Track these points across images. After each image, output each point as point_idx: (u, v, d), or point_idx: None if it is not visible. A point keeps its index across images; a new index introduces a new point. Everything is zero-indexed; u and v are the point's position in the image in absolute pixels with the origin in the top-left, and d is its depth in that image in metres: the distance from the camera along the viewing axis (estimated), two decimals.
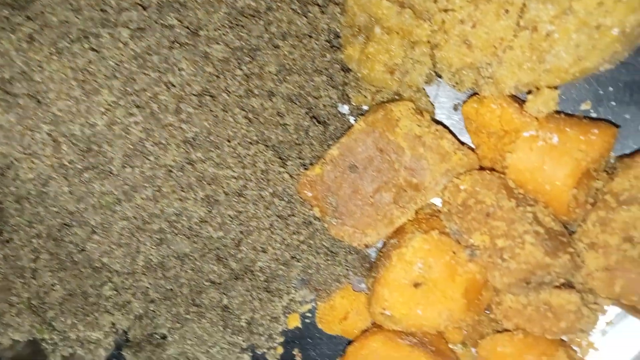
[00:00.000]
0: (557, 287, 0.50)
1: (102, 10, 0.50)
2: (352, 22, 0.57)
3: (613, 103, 0.57)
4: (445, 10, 0.49)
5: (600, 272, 0.48)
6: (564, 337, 0.54)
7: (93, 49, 0.50)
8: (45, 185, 0.54)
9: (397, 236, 0.55)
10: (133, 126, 0.51)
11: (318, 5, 0.56)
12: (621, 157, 0.52)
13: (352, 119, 0.63)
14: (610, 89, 0.56)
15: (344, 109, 0.62)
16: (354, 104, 0.61)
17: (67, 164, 0.52)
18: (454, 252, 0.49)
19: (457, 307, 0.49)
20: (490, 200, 0.48)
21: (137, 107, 0.51)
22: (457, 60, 0.50)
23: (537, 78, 0.48)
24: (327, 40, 0.58)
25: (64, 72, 0.50)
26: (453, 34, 0.49)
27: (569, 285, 0.51)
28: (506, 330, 0.53)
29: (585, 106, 0.57)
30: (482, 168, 0.53)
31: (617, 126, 0.52)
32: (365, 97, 0.60)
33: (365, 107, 0.62)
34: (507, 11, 0.47)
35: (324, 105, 0.60)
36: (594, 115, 0.57)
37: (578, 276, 0.50)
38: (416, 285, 0.50)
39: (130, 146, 0.52)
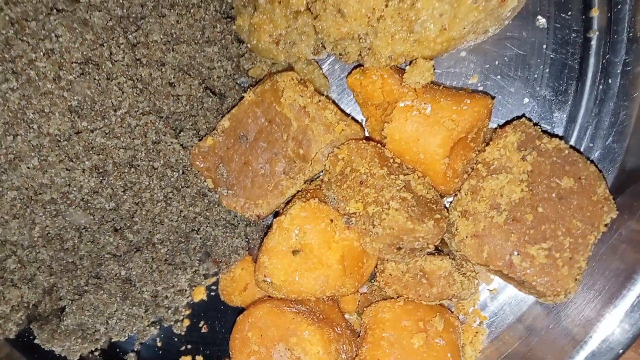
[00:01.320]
0: (431, 254, 0.52)
1: None
2: None
3: (499, 77, 0.58)
4: None
5: (470, 239, 0.50)
6: (447, 304, 0.56)
7: None
8: None
9: (286, 206, 0.55)
10: (10, 92, 0.50)
11: None
12: (495, 129, 0.53)
13: (251, 94, 0.63)
14: (496, 62, 0.58)
15: (242, 81, 0.63)
16: (251, 76, 0.62)
17: None
18: (331, 220, 0.50)
19: (333, 274, 0.50)
20: (363, 169, 0.49)
21: (14, 73, 0.50)
22: (334, 30, 0.50)
23: (410, 49, 0.49)
24: (217, 11, 0.58)
25: None
26: (328, 3, 0.49)
27: (443, 253, 0.52)
28: (390, 298, 0.54)
29: (472, 80, 0.58)
30: (368, 139, 0.54)
31: (492, 97, 0.53)
32: (263, 69, 0.60)
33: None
34: None
35: (219, 77, 0.59)
36: (480, 89, 0.59)
37: (452, 243, 0.52)
38: (294, 252, 0.51)
39: (10, 114, 0.51)
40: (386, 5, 0.48)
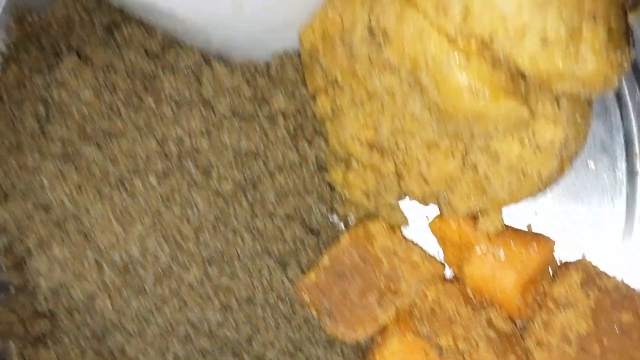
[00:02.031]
0: None
1: (133, 160, 0.64)
2: (334, 152, 0.69)
3: (557, 213, 0.68)
4: (405, 153, 0.61)
5: None
6: None
7: (128, 192, 0.63)
8: (91, 300, 0.66)
9: (381, 333, 0.65)
10: (161, 253, 0.63)
11: (306, 139, 0.69)
12: (560, 266, 0.63)
13: (341, 226, 0.74)
14: (552, 201, 0.68)
15: (334, 218, 0.74)
16: (341, 214, 0.73)
17: (108, 284, 0.65)
18: (425, 352, 0.60)
19: None
20: (451, 308, 0.59)
21: (164, 237, 0.63)
22: (417, 190, 0.61)
23: (483, 205, 0.60)
24: (315, 166, 0.70)
25: (105, 213, 0.63)
26: (412, 171, 0.61)
27: None
28: None
29: (533, 216, 0.68)
30: (446, 279, 0.64)
31: (552, 241, 0.62)
32: (350, 209, 0.72)
33: (351, 216, 0.74)
34: (453, 155, 0.58)
35: (316, 219, 0.71)
36: (541, 222, 0.68)
37: None
38: None
39: (160, 269, 0.64)
40: (461, 174, 0.59)
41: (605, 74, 0.46)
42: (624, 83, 0.68)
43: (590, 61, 0.45)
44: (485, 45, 0.46)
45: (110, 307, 0.66)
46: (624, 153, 0.69)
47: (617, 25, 0.46)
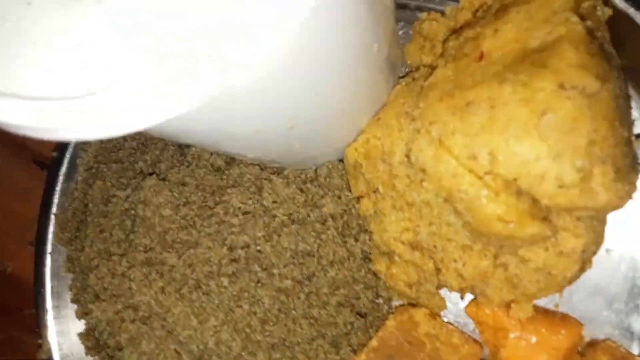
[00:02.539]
0: None
1: (208, 265, 0.74)
2: (377, 247, 0.79)
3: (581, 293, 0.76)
4: (443, 252, 0.70)
5: None
6: None
7: (204, 293, 0.73)
8: None
9: None
10: (233, 344, 0.73)
11: (353, 236, 0.79)
12: (587, 346, 0.70)
13: (385, 307, 0.83)
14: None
15: (379, 300, 0.83)
16: (385, 297, 0.82)
17: None
18: None
19: None
20: None
21: (235, 330, 0.73)
22: (455, 284, 0.70)
23: (515, 297, 0.68)
24: (361, 259, 0.80)
25: (185, 311, 0.73)
26: (450, 268, 0.70)
27: None
28: None
29: (560, 297, 0.76)
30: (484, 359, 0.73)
31: (581, 325, 0.70)
32: (394, 294, 0.81)
33: (394, 299, 0.83)
34: (485, 256, 0.67)
35: (364, 303, 0.81)
36: (567, 302, 0.76)
37: None
38: None
39: (232, 357, 0.74)
40: (493, 271, 0.68)
41: (615, 203, 0.54)
42: None
43: (602, 195, 0.53)
44: (511, 182, 0.55)
45: None
46: None
47: (624, 161, 0.55)
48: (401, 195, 0.69)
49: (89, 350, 0.88)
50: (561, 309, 0.75)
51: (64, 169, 0.95)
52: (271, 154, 0.70)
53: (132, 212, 0.78)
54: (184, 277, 0.74)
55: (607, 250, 0.75)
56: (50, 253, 0.93)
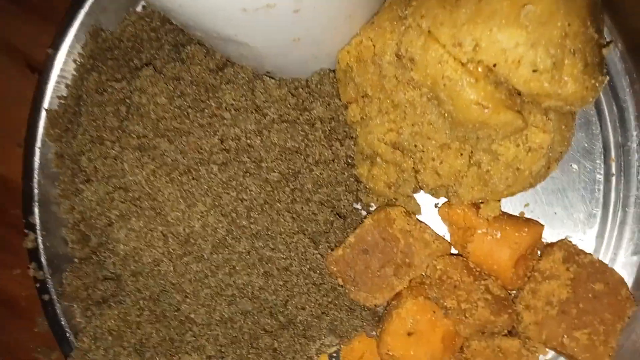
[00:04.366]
0: (504, 335, 0.74)
1: (199, 153, 0.77)
2: (361, 151, 0.83)
3: (545, 204, 0.82)
4: (422, 152, 0.75)
5: (532, 325, 0.72)
6: None
7: (194, 178, 0.76)
8: (156, 265, 0.80)
9: (396, 299, 0.79)
10: (219, 228, 0.76)
11: (339, 140, 0.83)
12: (546, 246, 0.77)
13: (363, 213, 0.88)
14: (542, 194, 0.82)
15: (358, 205, 0.88)
16: (364, 202, 0.87)
17: (172, 252, 0.78)
18: (434, 312, 0.74)
19: (437, 349, 0.73)
20: (456, 277, 0.73)
21: (222, 215, 0.76)
22: (431, 182, 0.75)
23: (485, 195, 0.74)
24: (345, 162, 0.84)
25: (174, 194, 0.76)
26: (428, 166, 0.75)
27: (513, 334, 0.75)
28: None
29: (525, 206, 0.82)
30: (452, 253, 0.78)
31: (542, 226, 0.76)
32: (372, 198, 0.86)
33: (372, 204, 0.88)
34: (461, 154, 0.72)
35: (344, 205, 0.85)
36: (532, 211, 0.82)
37: (519, 327, 0.74)
38: (409, 334, 0.74)
39: (217, 240, 0.77)
40: (467, 170, 0.73)
41: (582, 95, 0.60)
42: (603, 100, 0.82)
43: (570, 85, 0.59)
44: (490, 70, 0.60)
45: (172, 271, 0.79)
46: (602, 158, 0.83)
47: (592, 59, 0.60)
48: (388, 96, 0.73)
49: (73, 243, 0.91)
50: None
51: (56, 70, 0.96)
52: (273, 56, 0.73)
53: (127, 101, 0.80)
54: (175, 162, 0.77)
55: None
56: (39, 148, 0.94)
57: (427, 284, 0.76)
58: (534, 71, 0.58)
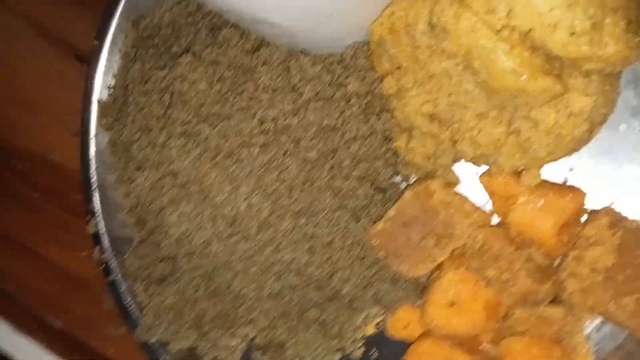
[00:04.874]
0: (548, 303, 0.74)
1: (240, 136, 0.80)
2: (398, 124, 0.83)
3: (591, 167, 0.80)
4: (460, 122, 0.74)
5: (577, 292, 0.71)
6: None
7: (236, 161, 0.80)
8: (207, 246, 0.85)
9: (438, 269, 0.80)
10: (263, 208, 0.80)
11: (376, 115, 0.83)
12: (591, 212, 0.75)
13: (403, 185, 0.89)
14: (588, 158, 0.79)
15: (397, 178, 0.89)
16: (403, 175, 0.88)
17: (221, 233, 0.82)
18: (475, 282, 0.75)
19: (479, 318, 0.74)
20: (497, 247, 0.73)
21: (265, 195, 0.80)
22: (470, 153, 0.75)
23: (526, 162, 0.73)
24: (382, 136, 0.85)
25: (219, 177, 0.80)
26: (466, 137, 0.74)
27: (558, 301, 0.74)
28: (518, 333, 0.77)
29: (570, 171, 0.80)
30: (493, 225, 0.78)
31: (584, 192, 0.75)
32: (412, 170, 0.86)
33: (412, 177, 0.88)
34: (499, 123, 0.71)
35: (383, 179, 0.86)
36: (578, 175, 0.80)
37: (564, 295, 0.73)
38: (451, 304, 0.76)
39: (262, 220, 0.81)
40: (506, 138, 0.72)
41: (625, 55, 0.57)
42: None
43: (610, 45, 0.57)
44: (525, 36, 0.59)
45: (222, 250, 0.84)
46: None
47: (636, 17, 0.58)
48: (423, 67, 0.73)
49: (132, 226, 0.97)
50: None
51: (103, 60, 1.00)
52: (306, 33, 0.74)
53: (170, 88, 0.83)
54: (218, 146, 0.80)
55: None
56: (94, 137, 0.99)
57: (468, 255, 0.77)
58: (572, 34, 0.56)
